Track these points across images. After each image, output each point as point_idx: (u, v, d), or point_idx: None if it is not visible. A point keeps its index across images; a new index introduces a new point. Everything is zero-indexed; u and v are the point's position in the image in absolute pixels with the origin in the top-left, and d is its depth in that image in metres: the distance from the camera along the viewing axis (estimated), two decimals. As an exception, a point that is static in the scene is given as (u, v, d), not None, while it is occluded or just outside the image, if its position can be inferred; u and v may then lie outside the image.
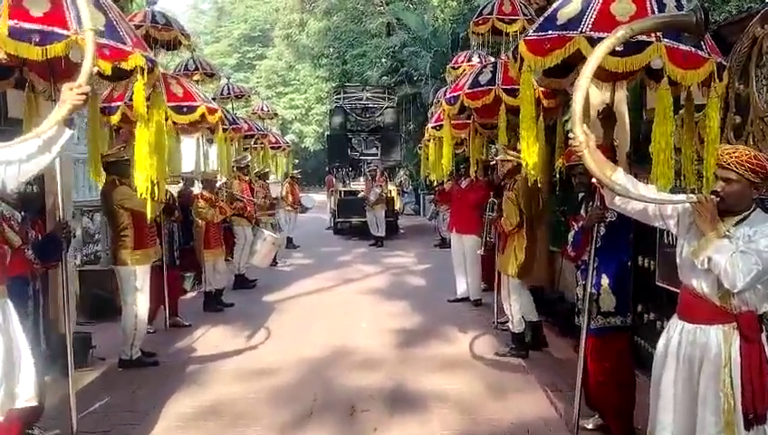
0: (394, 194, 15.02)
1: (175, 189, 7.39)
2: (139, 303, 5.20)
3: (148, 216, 4.70)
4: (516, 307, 5.40)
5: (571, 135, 3.08)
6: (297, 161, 45.00)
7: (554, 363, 5.20)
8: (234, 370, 5.14)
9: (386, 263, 11.18)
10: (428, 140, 12.46)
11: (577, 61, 3.22)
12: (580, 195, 4.14)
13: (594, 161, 2.60)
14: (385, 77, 21.61)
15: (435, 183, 14.53)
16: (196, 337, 6.21)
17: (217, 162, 7.15)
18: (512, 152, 5.45)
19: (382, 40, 21.96)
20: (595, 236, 3.63)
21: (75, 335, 5.22)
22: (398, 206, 16.08)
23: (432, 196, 16.87)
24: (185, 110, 5.97)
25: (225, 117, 8.88)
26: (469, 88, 6.00)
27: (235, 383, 4.83)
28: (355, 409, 4.27)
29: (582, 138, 2.57)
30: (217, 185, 7.77)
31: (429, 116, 15.69)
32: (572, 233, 3.94)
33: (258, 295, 8.30)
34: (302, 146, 40.56)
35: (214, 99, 11.30)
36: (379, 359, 5.39)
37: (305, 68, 37.30)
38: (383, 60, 22.11)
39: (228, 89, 11.75)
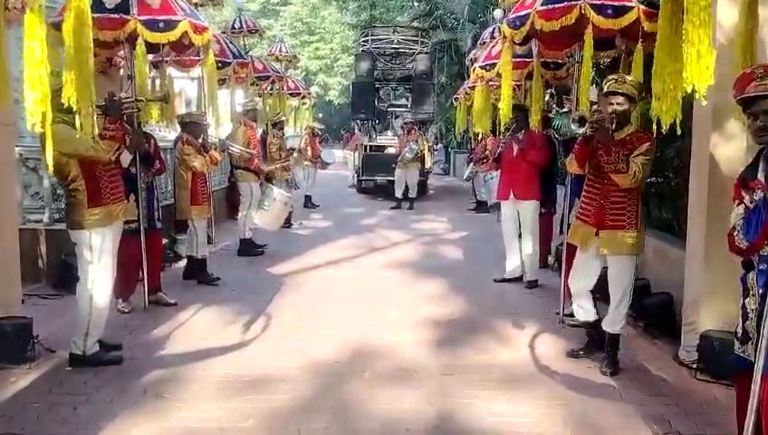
0: (425, 151, 13.46)
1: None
2: (97, 279, 3.87)
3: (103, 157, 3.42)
4: (626, 299, 3.93)
5: None
6: (321, 115, 43.58)
7: (656, 386, 3.76)
8: (220, 377, 3.81)
9: (415, 229, 9.74)
10: (471, 87, 10.89)
11: None
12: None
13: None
14: (416, 22, 19.73)
15: (475, 139, 13.03)
16: (180, 322, 4.90)
17: (206, 100, 5.72)
18: (629, 78, 3.90)
19: (415, -21, 20.03)
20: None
21: (9, 322, 3.94)
22: (428, 164, 14.54)
23: (468, 154, 15.29)
24: (161, 25, 4.56)
25: (228, 48, 7.41)
26: (543, 4, 4.45)
27: (218, 399, 3.51)
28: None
29: None
30: (213, 133, 6.36)
31: (469, 64, 13.97)
32: (739, 210, 2.44)
33: (265, 266, 6.96)
34: (327, 99, 38.91)
35: (223, 33, 9.83)
36: (414, 367, 4.01)
37: (331, 14, 35.28)
38: (415, 2, 20.17)
39: (240, 22, 10.20)
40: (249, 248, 7.42)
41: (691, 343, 4.03)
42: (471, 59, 13.28)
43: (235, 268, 6.81)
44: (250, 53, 10.46)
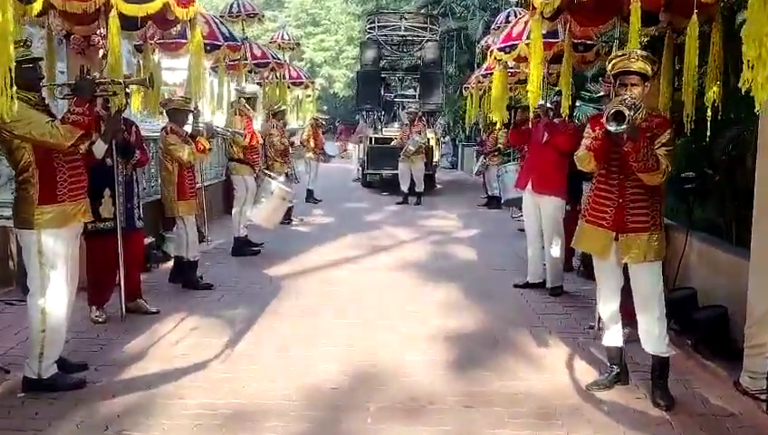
0: (433, 143, 12.81)
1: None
2: (50, 290, 3.26)
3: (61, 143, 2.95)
4: (663, 312, 3.31)
5: None
6: (326, 108, 43.00)
7: (721, 425, 3.12)
8: (196, 408, 3.19)
9: (424, 226, 9.10)
10: (484, 75, 10.23)
11: None
12: None
13: None
14: (423, 10, 18.99)
15: (485, 131, 12.36)
16: (159, 335, 4.28)
17: (191, 84, 5.10)
18: (641, 53, 3.29)
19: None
20: None
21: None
22: (436, 157, 13.89)
23: (478, 147, 14.62)
24: (137, -6, 3.93)
25: (218, 30, 6.77)
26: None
27: (192, 437, 2.90)
28: None
29: None
30: (202, 121, 5.74)
31: (478, 53, 13.33)
32: None
33: (260, 267, 6.33)
34: (331, 92, 38.26)
35: (221, 17, 9.20)
36: (428, 396, 3.38)
37: (336, 5, 34.60)
38: (422, -10, 19.45)
39: (238, 6, 9.57)
40: (244, 247, 6.81)
41: (757, 368, 3.39)
42: (483, 46, 12.64)
43: (227, 270, 6.20)
44: (249, 39, 9.86)
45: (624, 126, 2.88)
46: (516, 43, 6.17)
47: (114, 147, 4.33)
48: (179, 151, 5.15)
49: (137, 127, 4.77)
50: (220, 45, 6.41)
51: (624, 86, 3.13)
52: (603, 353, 3.96)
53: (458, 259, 6.97)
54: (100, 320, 4.48)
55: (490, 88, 10.89)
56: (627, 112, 2.86)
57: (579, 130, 5.43)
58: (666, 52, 4.45)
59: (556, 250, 5.43)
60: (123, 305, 4.55)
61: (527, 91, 8.60)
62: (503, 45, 6.32)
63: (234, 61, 8.70)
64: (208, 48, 6.34)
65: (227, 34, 6.69)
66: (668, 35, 4.55)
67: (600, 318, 4.28)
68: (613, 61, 3.20)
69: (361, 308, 4.96)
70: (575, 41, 5.59)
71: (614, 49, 4.66)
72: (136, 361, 3.83)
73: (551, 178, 5.34)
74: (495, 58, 6.53)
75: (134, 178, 4.64)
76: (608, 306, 3.47)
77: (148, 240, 6.08)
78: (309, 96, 15.03)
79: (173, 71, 10.44)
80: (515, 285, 5.72)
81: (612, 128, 2.91)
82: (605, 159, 3.23)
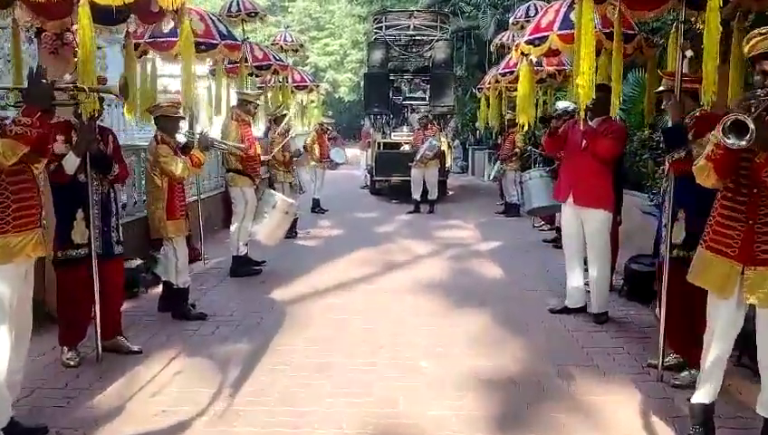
0: (445, 148, 12.08)
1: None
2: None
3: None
4: None
5: None
6: (330, 113, 42.43)
7: None
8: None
9: (440, 237, 8.39)
10: (503, 74, 9.52)
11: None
12: None
13: None
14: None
15: (500, 134, 11.65)
16: (139, 383, 3.59)
17: (181, 86, 4.44)
18: None
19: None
20: None
21: None
22: (448, 162, 13.17)
23: (492, 151, 13.91)
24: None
25: (215, 28, 6.09)
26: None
27: None
28: None
29: None
30: (197, 130, 5.07)
31: (494, 51, 12.60)
32: None
33: (261, 290, 5.64)
34: (336, 96, 37.69)
35: (219, 15, 8.54)
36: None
37: (341, 8, 34.01)
38: (430, -11, 18.78)
39: (238, 4, 8.91)
40: (244, 267, 6.12)
41: None
42: (497, 44, 11.93)
43: (224, 295, 5.51)
44: (249, 40, 9.20)
45: (745, 140, 2.19)
46: (546, 34, 5.49)
47: (88, 161, 3.67)
48: (171, 165, 4.47)
49: (114, 136, 4.09)
50: (217, 44, 5.74)
51: (765, 73, 2.46)
52: (675, 402, 3.26)
53: (482, 278, 6.25)
54: (71, 363, 3.80)
55: (507, 88, 10.31)
56: (750, 125, 2.17)
57: (623, 130, 4.73)
58: (736, 37, 3.75)
59: (603, 270, 4.72)
60: (99, 345, 3.87)
61: (555, 91, 7.85)
62: (531, 38, 5.62)
63: (233, 63, 8.07)
64: (203, 48, 5.67)
65: (225, 33, 6.01)
66: (738, 18, 3.86)
67: (663, 356, 3.60)
68: (752, 41, 2.51)
69: (377, 343, 4.25)
70: (605, 30, 4.91)
71: (671, 38, 3.97)
72: (108, 420, 3.14)
73: (595, 188, 4.63)
74: (522, 52, 5.83)
75: (112, 196, 3.95)
76: (715, 354, 2.78)
77: (135, 262, 5.44)
78: (314, 101, 14.37)
79: (175, 78, 9.70)
80: (552, 311, 5.01)
81: (731, 141, 2.22)
82: (731, 172, 2.55)
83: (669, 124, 3.75)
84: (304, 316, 4.87)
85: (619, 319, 4.82)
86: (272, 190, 5.92)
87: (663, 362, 3.65)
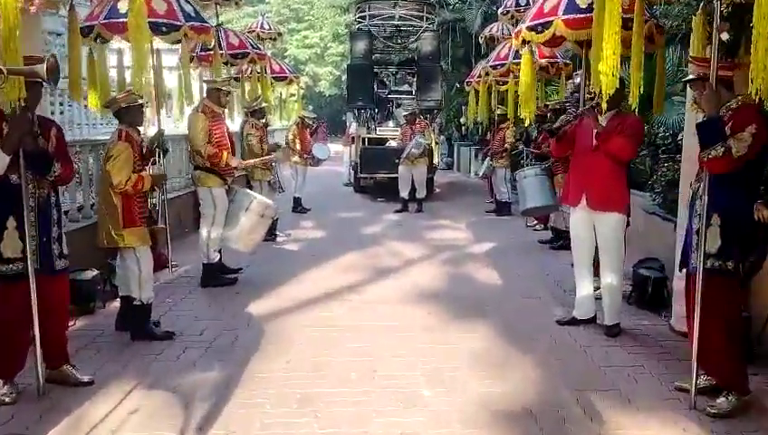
0: (433, 144, 11.56)
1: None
2: None
3: None
4: None
5: None
6: (312, 107, 41.71)
7: None
8: None
9: (431, 239, 7.88)
10: (493, 66, 9.04)
11: None
12: None
13: None
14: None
15: (489, 130, 11.17)
16: (86, 426, 3.01)
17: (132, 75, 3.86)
18: None
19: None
20: None
21: None
22: (436, 159, 12.65)
23: (480, 147, 13.43)
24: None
25: (179, 7, 5.44)
26: None
27: None
28: None
29: None
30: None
31: (482, 44, 12.11)
32: None
33: (237, 302, 5.07)
34: (317, 90, 37.02)
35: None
36: None
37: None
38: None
39: (212, -12, 8.28)
40: (216, 276, 5.53)
41: None
42: (485, 36, 11.44)
43: (194, 308, 4.93)
44: (224, 26, 8.58)
45: None
46: (550, 19, 4.97)
47: (22, 158, 3.08)
48: (114, 170, 3.89)
49: (59, 129, 3.49)
50: (180, 26, 5.11)
51: None
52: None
53: (479, 284, 5.75)
54: (6, 400, 3.21)
55: (497, 82, 9.83)
56: None
57: (639, 124, 4.24)
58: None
59: (617, 278, 4.25)
60: (41, 376, 3.29)
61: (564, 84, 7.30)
62: (533, 23, 5.11)
63: (208, 51, 7.46)
64: (164, 29, 5.04)
65: (192, 14, 5.39)
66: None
67: (696, 378, 3.15)
68: None
69: (371, 367, 3.72)
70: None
71: (698, 20, 3.48)
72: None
73: (609, 190, 4.15)
74: (523, 39, 5.32)
75: (52, 200, 3.35)
76: None
77: (91, 273, 4.84)
78: (293, 95, 13.74)
79: (170, 70, 8.82)
80: (559, 322, 4.53)
81: None
82: None
83: (700, 118, 3.28)
84: (285, 334, 4.31)
85: (632, 331, 4.37)
86: (246, 190, 5.34)
87: (695, 384, 3.19)
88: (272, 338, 4.23)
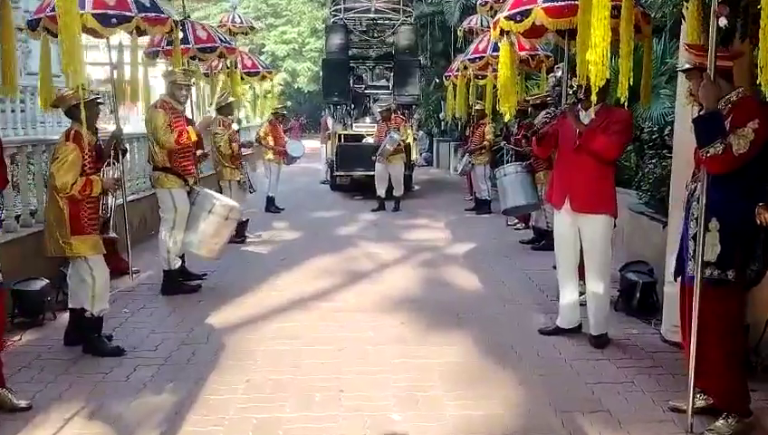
0: (410, 140, 11.26)
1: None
2: None
3: None
4: None
5: None
6: (290, 104, 41.12)
7: None
8: None
9: (408, 240, 7.58)
10: (471, 60, 8.76)
11: None
12: None
13: None
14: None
15: (469, 125, 10.90)
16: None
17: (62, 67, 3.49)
18: None
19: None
20: None
21: None
22: (414, 156, 12.35)
23: (459, 143, 13.16)
24: None
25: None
26: None
27: None
28: None
29: None
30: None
31: (461, 38, 11.81)
32: None
33: (199, 312, 4.72)
34: (296, 87, 36.55)
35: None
36: None
37: (298, -7, 32.91)
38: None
39: (176, -22, 7.87)
40: (178, 284, 5.17)
41: None
42: (464, 29, 11.15)
43: (151, 319, 4.57)
44: (191, 19, 8.16)
45: None
46: (530, 7, 4.68)
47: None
48: (60, 171, 3.54)
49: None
50: (132, 17, 4.70)
51: None
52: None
53: (458, 290, 5.45)
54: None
55: (476, 76, 9.55)
56: None
57: (627, 119, 3.97)
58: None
59: (604, 284, 3.98)
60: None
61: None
62: (512, 12, 4.80)
63: (170, 45, 7.06)
64: (114, 21, 4.64)
65: (147, 4, 4.99)
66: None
67: (692, 398, 2.88)
68: None
69: (337, 386, 3.40)
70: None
71: (692, 3, 3.21)
72: None
73: (597, 192, 3.88)
74: (502, 30, 5.02)
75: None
76: None
77: (40, 283, 4.46)
78: (269, 92, 13.30)
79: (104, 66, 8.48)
80: (542, 332, 4.26)
81: None
82: None
83: (694, 112, 3.03)
84: (247, 349, 3.98)
85: (620, 341, 4.11)
86: (208, 191, 4.97)
87: (692, 404, 2.93)
88: (232, 353, 3.89)
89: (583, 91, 3.81)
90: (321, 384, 3.42)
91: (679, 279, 3.07)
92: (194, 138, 4.87)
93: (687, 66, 2.98)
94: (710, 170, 2.73)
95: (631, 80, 3.19)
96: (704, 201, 2.76)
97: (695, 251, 2.84)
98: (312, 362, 3.73)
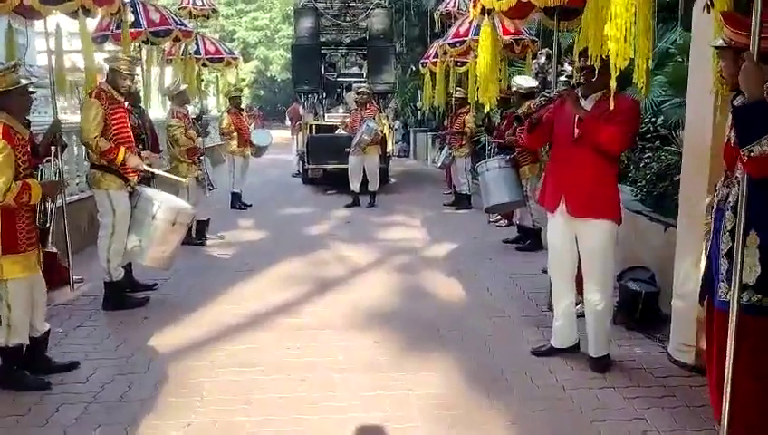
0: (386, 131, 10.69)
1: None
2: None
3: None
4: None
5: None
6: (262, 93, 40.09)
7: None
8: None
9: (383, 240, 7.03)
10: (451, 44, 8.19)
11: None
12: None
13: None
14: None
15: (447, 115, 10.36)
16: None
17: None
18: None
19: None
20: None
21: None
22: (390, 147, 11.79)
23: (438, 133, 12.60)
24: None
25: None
26: None
27: None
28: None
29: None
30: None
31: (437, 20, 11.24)
32: None
33: (142, 331, 4.10)
34: (269, 75, 35.65)
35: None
36: None
37: (270, -21, 31.97)
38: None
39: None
40: (122, 296, 4.54)
41: None
42: (441, 13, 10.57)
43: (87, 341, 3.95)
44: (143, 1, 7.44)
45: None
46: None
47: None
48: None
49: None
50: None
51: None
52: None
53: (438, 301, 4.90)
54: None
55: (456, 62, 8.99)
56: None
57: (635, 108, 3.43)
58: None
59: (603, 300, 3.46)
60: None
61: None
62: (492, -8, 4.26)
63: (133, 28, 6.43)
64: (51, 0, 3.98)
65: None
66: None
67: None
68: None
69: (296, 430, 2.84)
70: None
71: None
72: None
73: (598, 193, 3.35)
74: (483, 8, 4.48)
75: None
76: None
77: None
78: (244, 80, 12.58)
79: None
80: (535, 353, 3.74)
81: None
82: None
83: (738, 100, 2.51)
84: (194, 381, 3.38)
85: (624, 363, 3.61)
86: (150, 192, 4.32)
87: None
88: (174, 387, 3.30)
89: (585, 74, 3.28)
90: (276, 428, 2.86)
91: (705, 302, 2.57)
92: (120, 159, 4.18)
93: (720, 42, 2.45)
94: (753, 174, 2.21)
95: (649, 61, 2.65)
96: (742, 212, 2.25)
97: (728, 271, 2.33)
98: (269, 398, 3.16)
